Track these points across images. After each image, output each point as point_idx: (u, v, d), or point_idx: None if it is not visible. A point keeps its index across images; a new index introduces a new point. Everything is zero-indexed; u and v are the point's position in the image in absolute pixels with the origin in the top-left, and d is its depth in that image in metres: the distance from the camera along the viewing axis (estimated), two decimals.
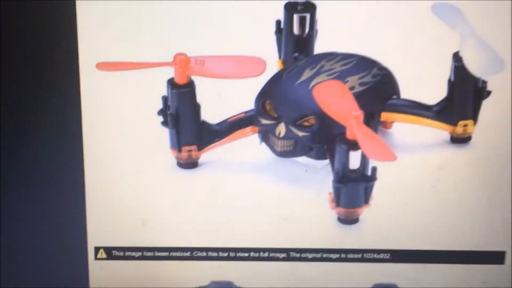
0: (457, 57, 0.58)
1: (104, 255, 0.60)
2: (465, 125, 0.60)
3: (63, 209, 0.60)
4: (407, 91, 0.61)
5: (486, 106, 0.59)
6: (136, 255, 0.60)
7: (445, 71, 0.60)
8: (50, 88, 0.57)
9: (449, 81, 0.60)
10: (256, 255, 0.60)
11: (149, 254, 0.60)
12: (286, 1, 0.60)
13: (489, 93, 0.59)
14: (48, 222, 0.61)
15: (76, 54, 0.57)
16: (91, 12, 0.57)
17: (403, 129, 0.62)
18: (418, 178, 0.59)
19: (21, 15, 0.56)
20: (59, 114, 0.58)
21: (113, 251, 0.60)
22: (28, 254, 0.61)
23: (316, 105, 0.56)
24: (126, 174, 0.60)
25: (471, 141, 0.61)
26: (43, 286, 0.63)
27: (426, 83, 0.61)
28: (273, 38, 0.62)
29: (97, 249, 0.60)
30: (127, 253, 0.60)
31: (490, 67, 0.58)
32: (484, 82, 0.58)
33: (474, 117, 0.60)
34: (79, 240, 0.61)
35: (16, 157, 0.59)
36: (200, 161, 0.61)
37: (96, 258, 0.60)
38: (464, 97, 0.59)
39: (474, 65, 0.58)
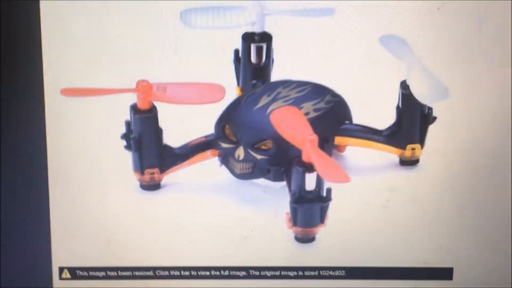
0: (404, 85, 0.60)
1: (68, 275, 0.60)
2: (413, 149, 0.61)
3: (27, 229, 0.60)
4: (358, 117, 0.62)
5: (432, 131, 0.61)
6: (100, 275, 0.60)
7: (394, 98, 0.61)
8: (15, 111, 0.57)
9: (397, 107, 0.61)
10: (217, 273, 0.60)
11: (113, 273, 0.60)
12: (244, 32, 0.61)
13: (434, 118, 0.60)
14: (13, 242, 0.60)
15: (41, 80, 0.57)
16: (56, 38, 0.57)
17: (356, 152, 0.63)
18: (370, 199, 0.60)
19: None
20: (24, 136, 0.58)
21: (77, 271, 0.60)
22: None
23: (273, 130, 0.57)
24: (91, 195, 0.60)
25: (419, 163, 0.62)
26: None
27: (376, 109, 0.62)
28: (231, 66, 0.63)
29: (61, 269, 0.60)
30: (91, 273, 0.60)
31: (435, 95, 0.59)
32: (430, 109, 0.60)
33: (421, 141, 0.61)
34: (44, 260, 0.60)
35: None
36: (162, 183, 0.61)
37: (60, 278, 0.60)
38: (411, 122, 0.61)
39: (420, 93, 0.59)
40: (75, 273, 0.60)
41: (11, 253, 0.60)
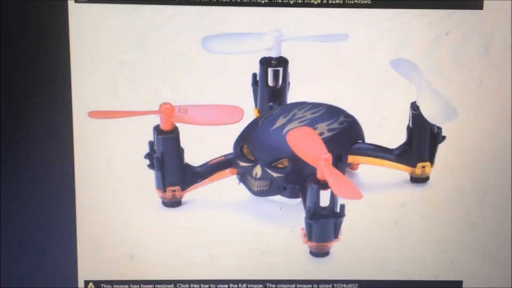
0: (414, 106, 0.61)
1: None
2: (423, 167, 0.62)
3: (55, 244, 0.60)
4: (370, 136, 0.63)
5: (442, 149, 0.61)
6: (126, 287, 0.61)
7: (404, 119, 0.62)
8: (47, 130, 0.58)
9: (408, 127, 0.62)
10: (235, 286, 0.61)
11: (135, 286, 0.61)
12: (262, 56, 0.62)
13: (444, 138, 0.61)
14: (41, 256, 0.60)
15: (70, 103, 0.58)
16: (84, 64, 0.58)
17: (368, 170, 0.63)
18: (382, 215, 0.61)
19: (17, 65, 0.57)
20: (53, 154, 0.58)
21: (102, 284, 0.61)
22: None
23: (289, 149, 0.58)
24: (115, 212, 0.60)
25: (429, 181, 0.63)
26: None
27: (387, 129, 0.63)
28: (250, 89, 0.64)
29: (86, 283, 0.60)
30: (115, 286, 0.61)
31: (444, 115, 0.60)
32: (439, 128, 0.61)
33: (431, 159, 0.62)
34: (70, 274, 0.61)
35: (12, 194, 0.59)
36: (183, 200, 0.62)
37: None
38: (421, 141, 0.61)
39: (430, 113, 0.60)
40: (99, 286, 0.60)
41: (39, 267, 0.60)
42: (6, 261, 0.60)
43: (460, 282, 0.61)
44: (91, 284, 0.61)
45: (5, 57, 0.56)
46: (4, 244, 0.59)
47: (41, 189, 0.59)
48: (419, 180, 0.62)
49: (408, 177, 0.63)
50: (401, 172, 0.63)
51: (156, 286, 0.61)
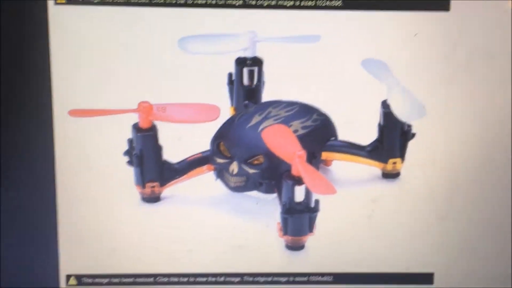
0: (385, 105, 0.62)
1: (74, 282, 0.61)
2: (394, 163, 0.63)
3: (37, 239, 0.60)
4: (343, 134, 0.64)
5: (412, 146, 0.62)
6: (104, 282, 0.61)
7: (375, 116, 0.62)
8: (26, 129, 0.58)
9: (379, 125, 0.63)
10: (213, 279, 0.62)
11: (116, 280, 0.61)
12: (237, 57, 0.62)
13: (413, 135, 0.61)
14: (22, 249, 0.61)
15: (50, 101, 0.58)
16: (64, 63, 0.58)
17: (341, 166, 0.64)
18: (355, 209, 0.62)
19: None
20: (34, 150, 0.59)
21: (83, 278, 0.61)
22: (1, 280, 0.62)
23: (265, 146, 0.59)
24: (96, 207, 0.61)
25: (399, 176, 0.63)
26: None
27: (359, 126, 0.63)
28: (226, 88, 0.64)
29: (68, 277, 0.61)
30: (96, 280, 0.61)
31: (413, 113, 0.60)
32: (409, 126, 0.61)
33: (402, 155, 0.62)
34: (51, 268, 0.61)
35: None
36: (162, 195, 0.62)
37: (67, 285, 0.61)
38: (392, 138, 0.62)
39: (400, 111, 0.61)
40: (80, 280, 0.61)
41: (20, 261, 0.61)
42: None
43: (432, 274, 0.62)
44: (72, 278, 0.61)
45: None
46: None
47: (22, 185, 0.59)
48: (390, 175, 0.63)
49: (380, 172, 0.64)
50: (373, 168, 0.63)
51: (136, 279, 0.61)
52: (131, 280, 0.61)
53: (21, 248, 0.60)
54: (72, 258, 0.61)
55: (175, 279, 0.61)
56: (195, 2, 0.57)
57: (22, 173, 0.59)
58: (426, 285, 0.62)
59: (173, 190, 0.62)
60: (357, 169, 0.63)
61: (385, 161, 0.63)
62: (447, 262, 0.62)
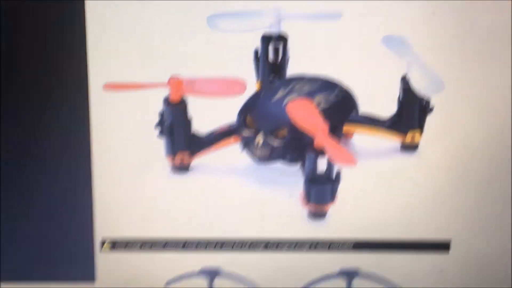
0: (404, 80, 0.62)
1: (109, 247, 0.63)
2: (413, 135, 0.64)
3: (73, 206, 0.62)
4: (364, 107, 0.64)
5: (430, 119, 0.63)
6: (137, 246, 0.63)
7: (395, 91, 0.63)
8: (63, 99, 0.60)
9: (399, 99, 0.63)
10: (240, 245, 0.63)
11: (148, 245, 0.63)
12: (263, 34, 0.63)
13: (432, 109, 0.62)
14: (60, 216, 0.62)
15: (86, 76, 0.60)
16: (101, 39, 0.59)
17: (362, 139, 0.64)
18: (375, 180, 0.63)
19: (33, 39, 0.58)
20: (72, 123, 0.60)
21: (117, 243, 0.63)
22: (36, 246, 0.63)
23: (289, 119, 0.60)
24: (130, 176, 0.62)
25: (418, 148, 0.64)
26: (49, 278, 0.64)
27: (380, 100, 0.64)
28: (252, 64, 0.65)
29: (103, 242, 0.63)
30: (129, 245, 0.63)
31: (432, 87, 0.61)
32: (428, 100, 0.62)
33: (420, 128, 0.63)
34: (87, 234, 0.63)
35: (28, 153, 0.61)
36: (191, 166, 0.64)
37: (101, 250, 0.63)
38: (411, 112, 0.63)
39: (419, 86, 0.61)
40: (114, 245, 0.63)
41: (57, 227, 0.63)
42: (27, 223, 0.63)
43: (448, 242, 0.63)
44: (107, 243, 0.63)
45: (19, 35, 0.58)
46: (25, 207, 0.62)
47: (60, 154, 0.61)
48: (409, 148, 0.64)
49: (399, 145, 0.64)
50: (392, 140, 0.64)
51: (166, 245, 0.63)
52: (162, 245, 0.63)
53: (58, 215, 0.62)
54: (107, 225, 0.63)
55: (204, 244, 0.63)
56: None
57: (60, 143, 0.61)
58: (443, 253, 0.64)
59: (202, 160, 0.64)
60: (377, 142, 0.64)
61: (404, 133, 0.63)
62: (464, 230, 0.63)
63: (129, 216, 0.63)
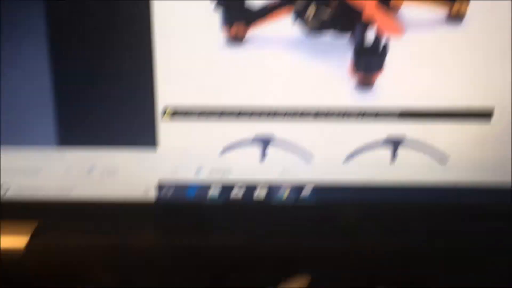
0: None
1: (170, 114, 0.66)
2: (460, 5, 0.62)
3: (134, 72, 0.64)
4: None
5: None
6: (195, 115, 0.66)
7: None
8: None
9: None
10: (292, 114, 0.65)
11: (205, 114, 0.66)
12: None
13: None
14: (123, 84, 0.64)
15: None
16: None
17: (410, 10, 0.63)
18: (422, 48, 0.63)
19: None
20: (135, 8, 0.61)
21: (177, 112, 0.65)
22: (97, 112, 0.65)
23: None
24: (188, 47, 0.63)
25: (464, 20, 0.63)
26: (111, 143, 0.66)
27: None
28: None
29: (164, 109, 0.65)
30: (188, 113, 0.66)
31: None
32: None
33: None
34: (149, 101, 0.65)
35: (91, 20, 0.61)
36: (246, 37, 0.63)
37: (163, 116, 0.65)
38: None
39: None
40: (175, 113, 0.66)
41: (120, 94, 0.64)
42: (92, 90, 0.65)
43: (492, 108, 0.65)
44: (168, 109, 0.66)
45: None
46: (89, 74, 0.64)
47: (121, 23, 0.62)
48: (455, 19, 0.63)
49: (445, 16, 0.63)
50: (440, 10, 0.63)
51: (222, 113, 0.66)
52: (218, 114, 0.66)
53: (121, 82, 0.64)
54: (168, 93, 0.65)
55: (257, 114, 0.65)
56: None
57: (123, 12, 0.62)
58: (485, 122, 0.65)
59: (256, 31, 0.63)
60: (424, 14, 0.63)
61: (452, 1, 0.62)
62: (507, 99, 0.64)
63: (188, 87, 0.65)
